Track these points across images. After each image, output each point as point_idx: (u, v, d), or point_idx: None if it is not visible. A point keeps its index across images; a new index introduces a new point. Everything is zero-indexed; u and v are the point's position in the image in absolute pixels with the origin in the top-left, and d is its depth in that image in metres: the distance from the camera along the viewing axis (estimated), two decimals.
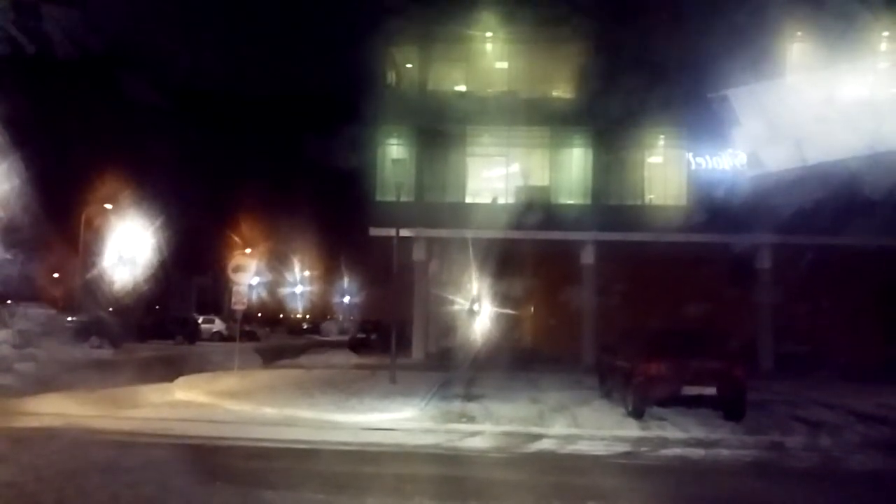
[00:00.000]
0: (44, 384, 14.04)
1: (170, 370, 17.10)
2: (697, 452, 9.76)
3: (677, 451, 9.86)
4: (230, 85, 19.49)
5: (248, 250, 20.82)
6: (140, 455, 8.32)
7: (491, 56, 24.78)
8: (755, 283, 22.98)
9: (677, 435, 10.88)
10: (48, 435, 9.53)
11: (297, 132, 21.16)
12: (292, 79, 21.11)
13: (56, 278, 24.21)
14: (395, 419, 11.58)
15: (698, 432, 11.06)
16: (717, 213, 21.14)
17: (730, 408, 12.03)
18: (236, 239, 22.50)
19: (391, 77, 24.88)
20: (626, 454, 9.60)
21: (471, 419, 11.72)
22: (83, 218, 24.55)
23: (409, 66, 24.95)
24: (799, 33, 22.07)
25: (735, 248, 21.46)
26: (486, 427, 11.16)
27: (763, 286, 22.87)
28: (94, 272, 20.57)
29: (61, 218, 20.43)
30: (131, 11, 17.58)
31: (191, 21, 18.09)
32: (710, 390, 11.68)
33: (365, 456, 9.10)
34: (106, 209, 24.67)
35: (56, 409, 11.32)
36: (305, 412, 11.77)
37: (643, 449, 9.95)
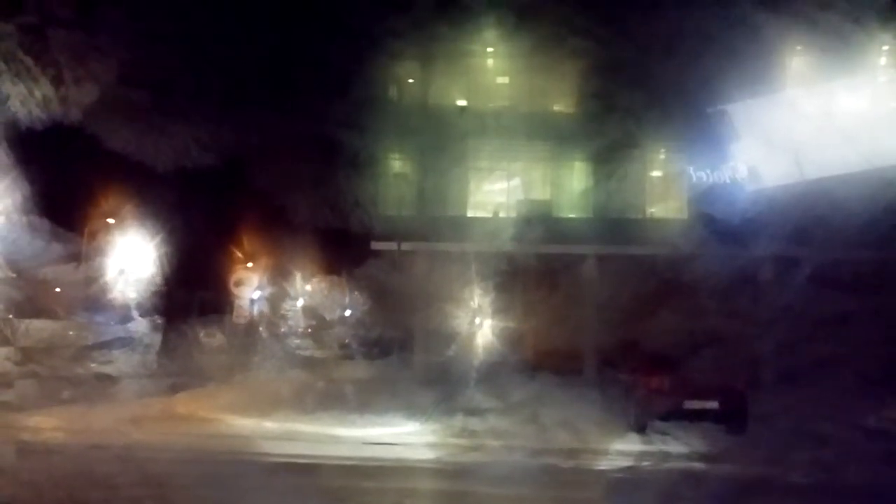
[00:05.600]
0: (45, 400, 14.01)
1: (171, 384, 17.07)
2: (700, 467, 9.73)
3: (680, 465, 9.83)
4: (231, 101, 19.57)
5: (249, 264, 20.87)
6: (139, 470, 8.30)
7: (492, 71, 24.91)
8: (757, 296, 22.92)
9: (680, 449, 10.84)
10: (47, 450, 9.51)
11: (298, 145, 21.39)
12: (293, 92, 21.25)
13: (58, 293, 24.17)
14: (397, 433, 11.56)
15: (701, 446, 11.01)
16: (718, 226, 21.11)
17: (732, 421, 11.98)
18: (238, 253, 22.57)
19: (393, 92, 25.00)
20: (628, 469, 9.57)
21: (472, 434, 11.69)
22: (86, 232, 24.55)
23: (410, 80, 25.09)
24: (798, 48, 22.17)
25: (737, 261, 21.42)
26: (488, 441, 11.13)
27: (765, 299, 22.81)
28: (98, 287, 20.49)
29: (63, 231, 20.42)
30: (133, 30, 17.74)
31: (191, 32, 18.26)
32: (713, 404, 11.66)
33: (366, 470, 9.08)
34: (108, 223, 24.64)
35: (57, 424, 11.32)
36: (306, 426, 11.76)
37: (645, 463, 9.92)
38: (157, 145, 19.48)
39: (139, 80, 17.96)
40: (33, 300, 20.03)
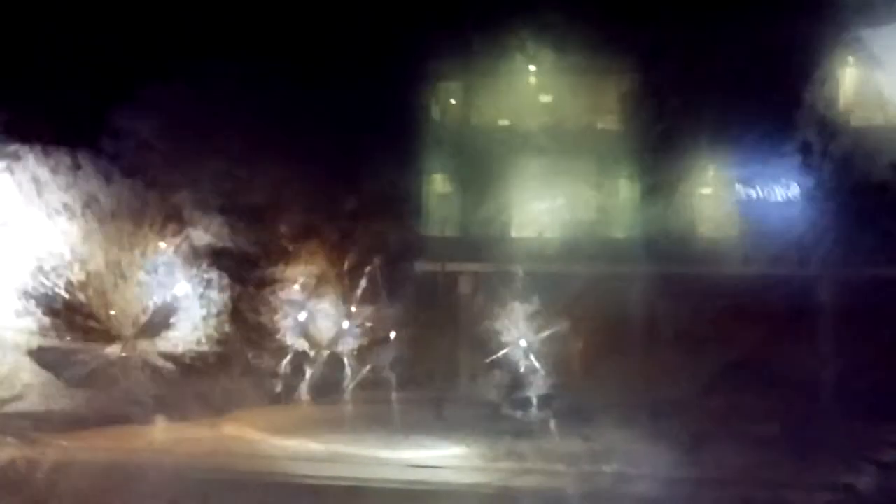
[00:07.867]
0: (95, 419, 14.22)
1: (220, 404, 17.17)
2: (763, 495, 9.29)
3: (733, 492, 9.40)
4: (270, 126, 19.94)
5: (296, 286, 21.05)
6: (188, 489, 8.33)
7: (535, 89, 24.81)
8: (815, 317, 22.04)
9: (735, 475, 10.37)
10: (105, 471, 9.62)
11: (342, 167, 21.65)
12: (335, 115, 21.56)
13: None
14: (443, 456, 11.39)
15: (759, 472, 10.52)
16: (770, 244, 20.47)
17: (794, 446, 11.46)
18: (283, 273, 22.79)
19: (435, 112, 25.14)
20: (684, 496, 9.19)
21: (521, 457, 11.41)
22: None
23: (452, 101, 25.20)
24: (850, 57, 21.48)
25: (792, 281, 20.69)
26: (537, 465, 10.86)
27: (823, 319, 21.92)
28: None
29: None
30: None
31: (235, 56, 18.84)
32: (773, 428, 11.21)
33: (411, 495, 8.94)
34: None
35: (113, 444, 11.50)
36: (351, 448, 11.68)
37: (701, 490, 9.52)
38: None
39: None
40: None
